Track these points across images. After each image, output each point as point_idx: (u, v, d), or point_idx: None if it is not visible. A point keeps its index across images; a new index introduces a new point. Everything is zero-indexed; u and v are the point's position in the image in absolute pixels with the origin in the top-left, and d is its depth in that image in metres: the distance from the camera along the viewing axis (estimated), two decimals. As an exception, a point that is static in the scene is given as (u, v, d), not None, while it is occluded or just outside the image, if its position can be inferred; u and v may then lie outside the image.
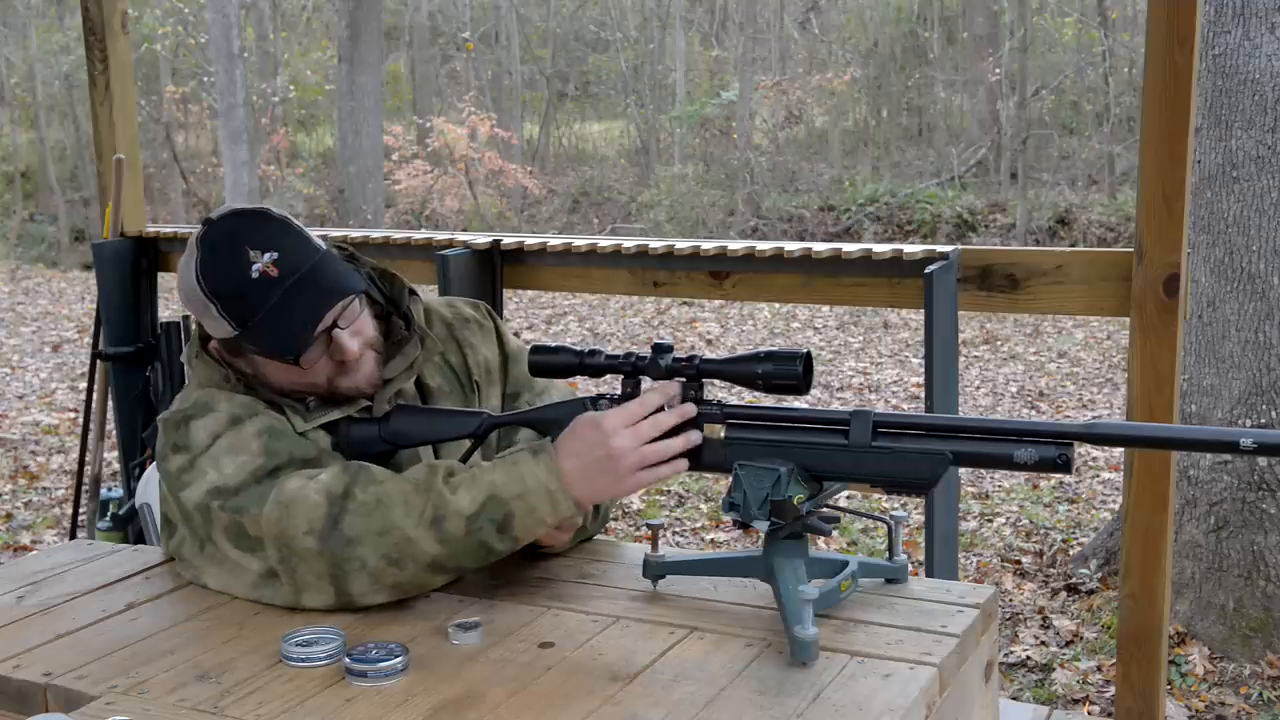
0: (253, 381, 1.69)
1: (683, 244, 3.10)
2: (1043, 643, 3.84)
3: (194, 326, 1.77)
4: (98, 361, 4.05)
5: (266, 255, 1.61)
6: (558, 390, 1.89)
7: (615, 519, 5.17)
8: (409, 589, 1.55)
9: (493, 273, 3.31)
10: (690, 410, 1.53)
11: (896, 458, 1.43)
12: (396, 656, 1.38)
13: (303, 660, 1.41)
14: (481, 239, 3.38)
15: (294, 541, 1.52)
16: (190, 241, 1.67)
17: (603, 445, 1.49)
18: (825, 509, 1.52)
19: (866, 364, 8.53)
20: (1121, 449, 3.74)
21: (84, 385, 4.82)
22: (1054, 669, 3.65)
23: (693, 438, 1.52)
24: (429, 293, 1.93)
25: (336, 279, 1.65)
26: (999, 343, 9.12)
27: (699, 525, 5.12)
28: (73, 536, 4.20)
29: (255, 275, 1.60)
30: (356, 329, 1.68)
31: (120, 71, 3.93)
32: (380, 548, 1.51)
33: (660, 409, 1.52)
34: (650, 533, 1.64)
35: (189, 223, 15.44)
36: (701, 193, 15.04)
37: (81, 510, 4.18)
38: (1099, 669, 3.63)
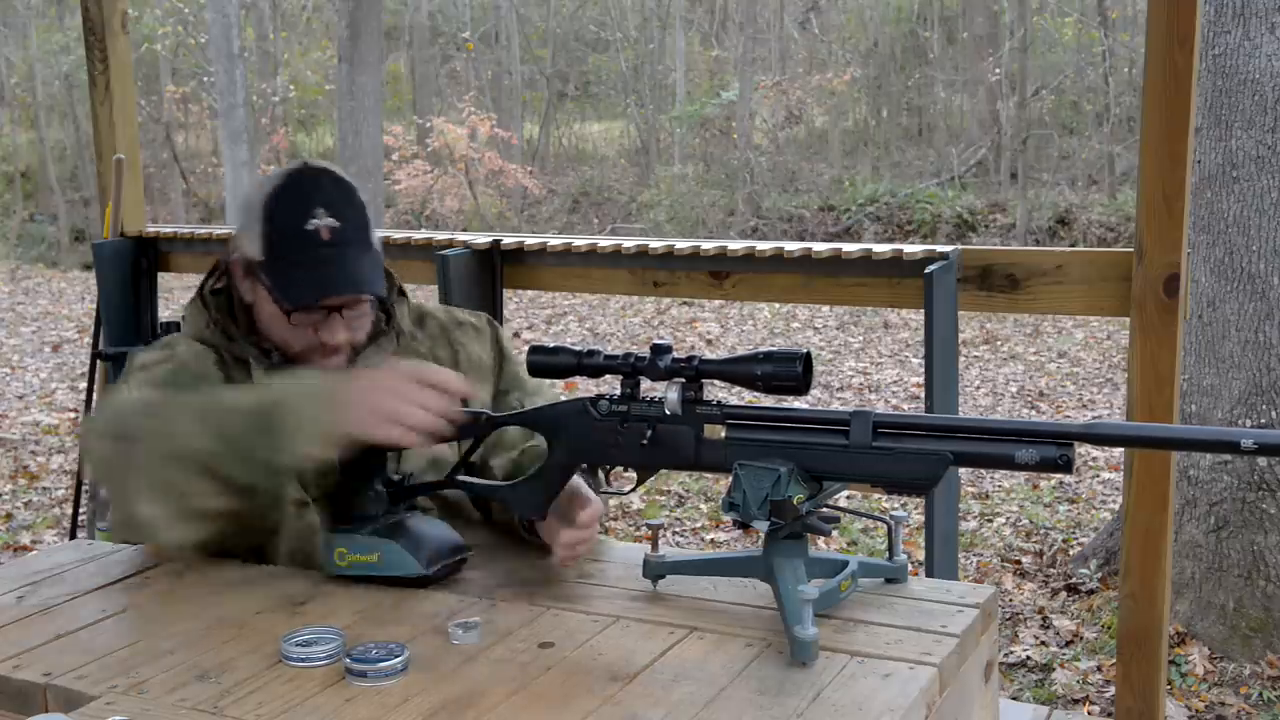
0: (230, 328, 1.79)
1: (683, 244, 3.10)
2: (1043, 643, 3.84)
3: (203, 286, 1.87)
4: (98, 361, 4.04)
5: (329, 218, 1.71)
6: (549, 392, 1.95)
7: (615, 519, 5.17)
8: (177, 491, 1.55)
9: (493, 273, 3.31)
10: (456, 418, 1.56)
11: (897, 458, 1.43)
12: (396, 656, 1.38)
13: (303, 660, 1.41)
14: (481, 239, 3.38)
15: (94, 445, 1.64)
16: (281, 169, 1.80)
17: (383, 378, 1.54)
18: (825, 509, 1.52)
19: (866, 364, 8.53)
20: (1121, 449, 3.73)
21: (84, 385, 4.82)
22: (1054, 669, 3.65)
23: (442, 429, 1.55)
24: (430, 293, 1.98)
25: (367, 275, 1.74)
26: (999, 343, 9.12)
27: (699, 525, 5.12)
28: (73, 536, 4.20)
29: (309, 227, 1.70)
30: (352, 326, 1.77)
31: (120, 71, 3.93)
32: (159, 445, 1.54)
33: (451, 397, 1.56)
34: (650, 533, 1.64)
35: (189, 223, 15.46)
36: (701, 193, 15.04)
37: (81, 510, 4.18)
38: (1099, 669, 3.63)
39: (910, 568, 1.63)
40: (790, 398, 5.61)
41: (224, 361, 1.80)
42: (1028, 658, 3.74)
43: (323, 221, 1.71)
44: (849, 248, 2.94)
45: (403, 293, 1.92)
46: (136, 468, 1.56)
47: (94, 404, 4.08)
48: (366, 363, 1.82)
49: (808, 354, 1.46)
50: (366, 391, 1.52)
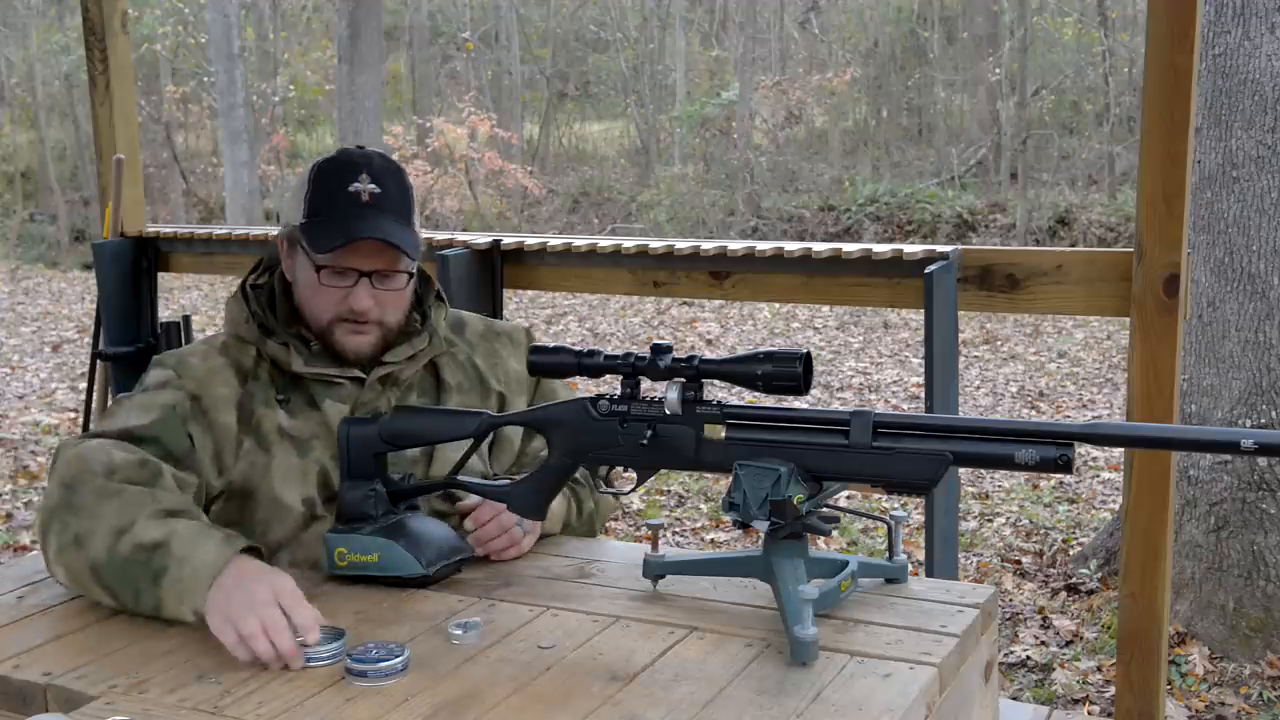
0: (269, 321, 1.79)
1: (683, 244, 3.09)
2: (1043, 643, 3.84)
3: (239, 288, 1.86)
4: (98, 361, 4.04)
5: (372, 185, 1.74)
6: None
7: (615, 519, 5.17)
8: (78, 580, 1.56)
9: (493, 273, 3.31)
10: (288, 653, 1.41)
11: (897, 458, 1.43)
12: (396, 656, 1.38)
13: (304, 660, 1.40)
14: (481, 239, 3.38)
15: (50, 483, 1.62)
16: (342, 147, 1.84)
17: (257, 588, 1.44)
18: (825, 509, 1.52)
19: (866, 364, 8.53)
20: (1121, 449, 3.73)
21: (84, 385, 4.82)
22: (1054, 669, 3.65)
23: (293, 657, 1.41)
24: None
25: (398, 236, 1.73)
26: (999, 343, 9.13)
27: (699, 525, 5.12)
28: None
29: (351, 189, 1.74)
30: (383, 300, 1.77)
31: (120, 71, 3.93)
32: (80, 525, 1.55)
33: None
34: (650, 533, 1.64)
35: (189, 223, 15.45)
36: (701, 193, 15.04)
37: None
38: (1099, 669, 3.63)
39: (910, 568, 1.63)
40: (790, 398, 5.61)
41: (254, 362, 1.78)
42: (1028, 658, 3.73)
43: (365, 186, 1.74)
44: (849, 248, 2.94)
45: (441, 298, 1.91)
46: (60, 529, 1.56)
47: (97, 408, 4.08)
48: (396, 357, 1.81)
49: (808, 354, 1.46)
50: (234, 587, 1.45)
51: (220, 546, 1.49)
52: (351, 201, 1.73)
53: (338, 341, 1.77)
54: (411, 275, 1.80)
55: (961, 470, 4.22)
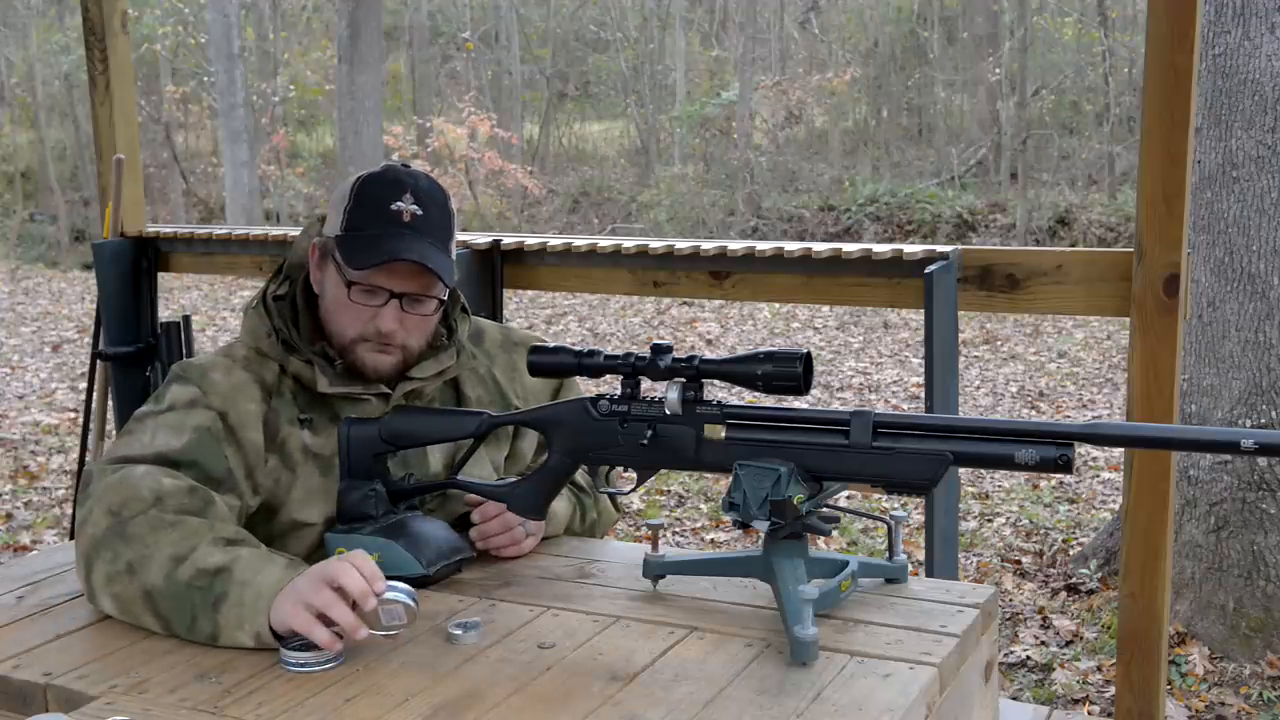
0: (293, 337, 1.75)
1: (683, 244, 3.09)
2: (1043, 643, 3.84)
3: (260, 295, 1.80)
4: (98, 361, 4.04)
5: (415, 206, 1.72)
6: None
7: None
8: (126, 609, 1.52)
9: (493, 273, 3.31)
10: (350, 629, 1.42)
11: (897, 458, 1.43)
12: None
13: (300, 665, 1.40)
14: (481, 239, 3.38)
15: (94, 511, 1.57)
16: (387, 162, 1.82)
17: (315, 575, 1.44)
18: (825, 509, 1.52)
19: (866, 364, 8.54)
20: (1121, 449, 3.73)
21: (84, 385, 4.81)
22: (1054, 669, 3.65)
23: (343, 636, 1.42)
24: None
25: (435, 261, 1.70)
26: (999, 343, 9.13)
27: (699, 525, 5.12)
28: (73, 536, 4.18)
29: (393, 208, 1.71)
30: (409, 324, 1.74)
31: (120, 71, 3.93)
32: (133, 553, 1.51)
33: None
34: (650, 533, 1.64)
35: (189, 223, 15.45)
36: (701, 193, 15.05)
37: (81, 510, 4.16)
38: (1099, 669, 3.63)
39: (910, 568, 1.63)
40: (790, 398, 5.61)
41: (277, 379, 1.75)
42: (1028, 658, 3.73)
43: (408, 206, 1.71)
44: (849, 248, 2.94)
45: (466, 310, 1.89)
46: (110, 558, 1.52)
47: (97, 408, 4.08)
48: (423, 373, 1.79)
49: (808, 354, 1.46)
50: (292, 588, 1.44)
51: (284, 571, 1.48)
52: (392, 220, 1.70)
53: (359, 358, 1.74)
54: (442, 302, 1.77)
55: (961, 470, 4.22)
